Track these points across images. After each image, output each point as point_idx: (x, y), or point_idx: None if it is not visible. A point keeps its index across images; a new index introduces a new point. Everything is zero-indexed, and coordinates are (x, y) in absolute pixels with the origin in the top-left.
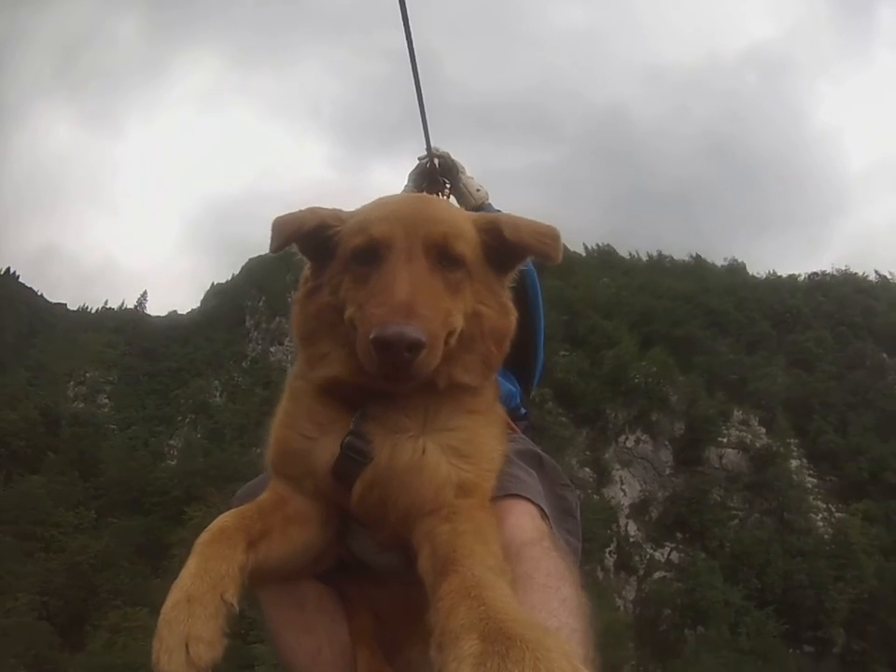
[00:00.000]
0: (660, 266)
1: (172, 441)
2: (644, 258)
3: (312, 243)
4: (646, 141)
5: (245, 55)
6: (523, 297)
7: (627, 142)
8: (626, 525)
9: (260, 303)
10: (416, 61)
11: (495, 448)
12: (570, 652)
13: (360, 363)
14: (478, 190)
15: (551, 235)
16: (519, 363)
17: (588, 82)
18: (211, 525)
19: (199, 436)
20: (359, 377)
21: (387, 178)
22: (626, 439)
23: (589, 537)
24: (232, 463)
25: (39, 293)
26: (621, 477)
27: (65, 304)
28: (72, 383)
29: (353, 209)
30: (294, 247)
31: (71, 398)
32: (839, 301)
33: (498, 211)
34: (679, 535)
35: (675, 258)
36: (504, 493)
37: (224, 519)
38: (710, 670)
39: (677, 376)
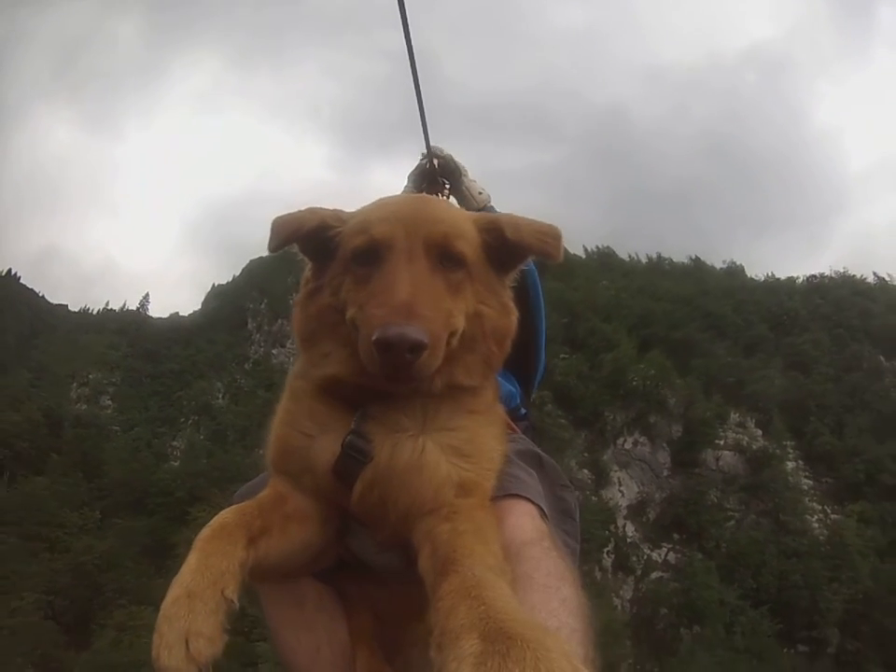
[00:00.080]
0: (659, 268)
1: (175, 443)
2: (644, 259)
3: (312, 243)
4: (646, 141)
5: (244, 56)
6: (524, 297)
7: (627, 142)
8: (624, 525)
9: (262, 306)
10: (416, 61)
11: (495, 448)
12: (570, 652)
13: (362, 363)
14: (480, 193)
15: (552, 235)
16: (520, 364)
17: (588, 82)
18: (211, 522)
19: (202, 437)
20: (361, 377)
21: (387, 179)
22: (624, 441)
23: (587, 537)
24: (235, 464)
25: (41, 294)
26: (619, 478)
27: (66, 305)
28: (75, 384)
29: (353, 210)
30: (295, 249)
31: (74, 399)
32: (837, 304)
33: None
34: (675, 535)
35: (674, 260)
36: (504, 493)
37: (224, 515)
38: (706, 668)
39: (674, 379)
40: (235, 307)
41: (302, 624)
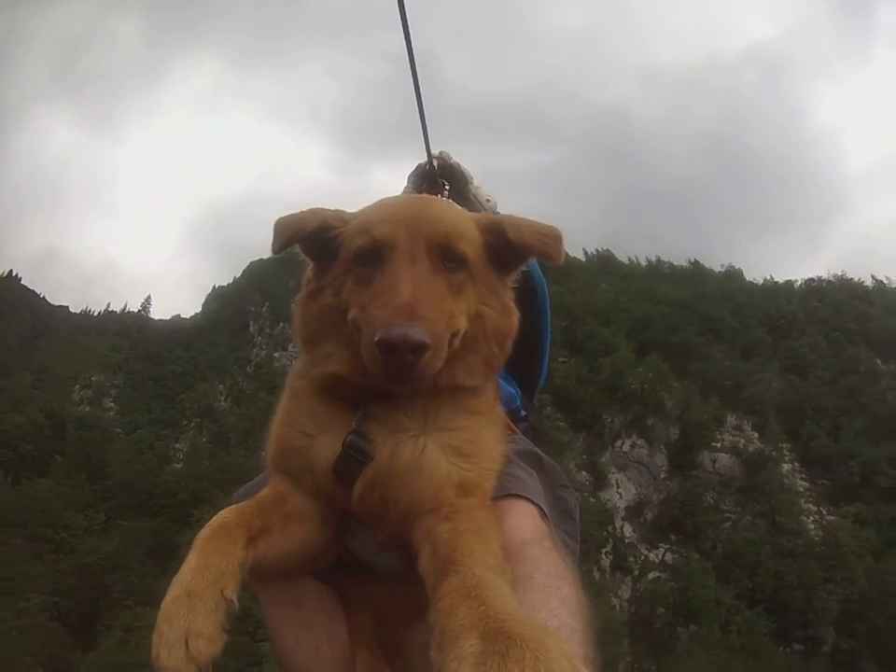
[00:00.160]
0: (658, 271)
1: (177, 445)
2: (643, 262)
3: (314, 244)
4: (645, 141)
5: (244, 58)
6: (532, 301)
7: (626, 142)
8: (622, 526)
9: (264, 309)
10: (415, 63)
11: (495, 448)
12: (570, 652)
13: (363, 363)
14: (488, 201)
15: (552, 236)
16: (522, 366)
17: (587, 83)
18: (211, 521)
19: (204, 440)
20: (362, 377)
21: (387, 180)
22: (622, 443)
23: (586, 538)
24: (238, 466)
25: (42, 296)
26: (617, 480)
27: (67, 307)
28: (77, 386)
29: (355, 210)
30: (297, 250)
31: (77, 401)
32: (834, 307)
33: None
34: (672, 536)
35: (674, 263)
36: (504, 493)
37: (224, 515)
38: (702, 667)
39: (672, 382)
40: (236, 309)
41: (301, 624)
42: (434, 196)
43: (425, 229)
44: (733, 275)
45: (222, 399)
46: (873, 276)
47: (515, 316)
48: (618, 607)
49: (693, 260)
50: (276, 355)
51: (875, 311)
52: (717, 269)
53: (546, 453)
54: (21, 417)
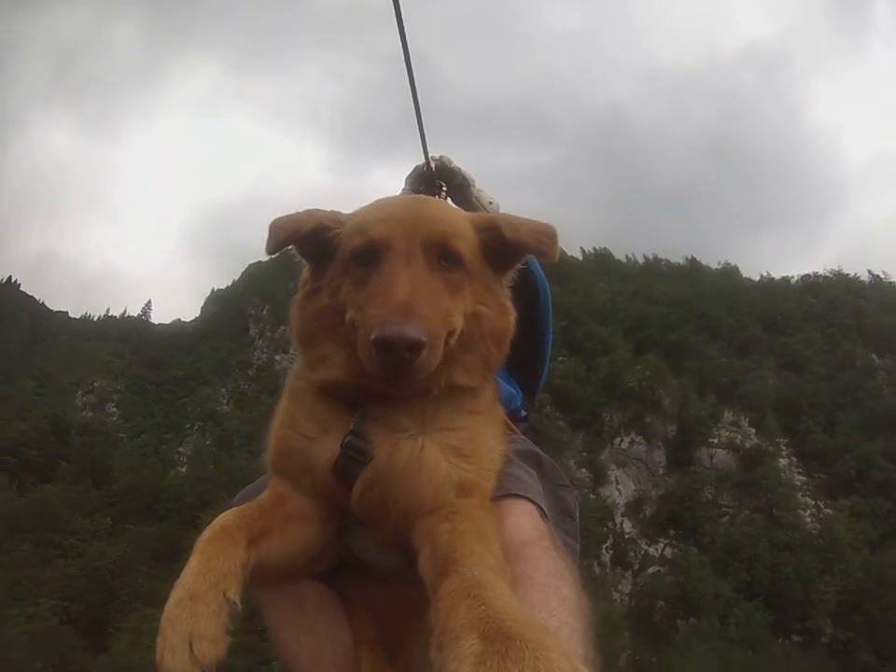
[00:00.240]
0: (655, 270)
1: (181, 449)
2: (640, 260)
3: (311, 245)
4: (644, 141)
5: (243, 60)
6: (534, 300)
7: (625, 142)
8: (622, 522)
9: (264, 312)
10: (412, 64)
11: (495, 448)
12: (570, 652)
13: (361, 365)
14: (490, 203)
15: (548, 234)
16: (523, 366)
17: (586, 83)
18: (213, 524)
19: (208, 443)
20: (360, 379)
21: (385, 181)
22: (621, 440)
23: (586, 534)
24: (242, 469)
25: (41, 301)
26: (616, 477)
27: (67, 312)
28: (80, 392)
29: (351, 211)
30: (293, 251)
31: (79, 407)
32: (830, 303)
33: None
34: (671, 531)
35: (671, 261)
36: (504, 492)
37: (225, 517)
38: (701, 659)
39: (669, 380)
40: (236, 312)
41: (303, 626)
42: (431, 197)
43: (421, 228)
44: (729, 273)
45: (224, 402)
46: (869, 272)
47: (512, 315)
48: (618, 601)
49: (689, 258)
50: (277, 358)
51: (871, 307)
52: (714, 266)
53: (546, 452)
54: (25, 424)
